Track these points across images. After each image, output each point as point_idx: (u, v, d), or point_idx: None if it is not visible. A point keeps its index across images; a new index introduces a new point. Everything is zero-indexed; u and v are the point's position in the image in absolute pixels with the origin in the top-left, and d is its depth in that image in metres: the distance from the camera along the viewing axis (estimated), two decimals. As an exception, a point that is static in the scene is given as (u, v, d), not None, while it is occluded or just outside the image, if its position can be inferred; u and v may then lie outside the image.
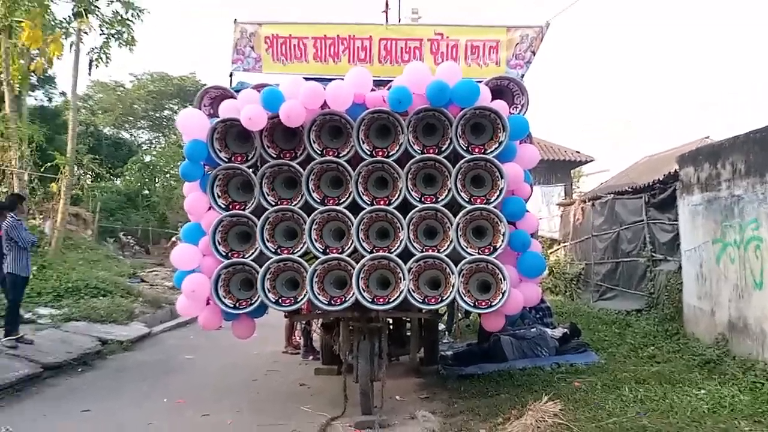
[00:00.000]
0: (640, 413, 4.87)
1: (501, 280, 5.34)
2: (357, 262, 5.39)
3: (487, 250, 5.45)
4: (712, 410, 4.83)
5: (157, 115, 39.18)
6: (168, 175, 31.14)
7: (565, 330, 7.76)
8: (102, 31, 12.39)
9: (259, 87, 5.77)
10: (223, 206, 5.69)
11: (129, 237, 25.06)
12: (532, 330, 7.53)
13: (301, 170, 5.58)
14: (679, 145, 18.83)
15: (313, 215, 5.52)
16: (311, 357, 8.44)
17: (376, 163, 5.55)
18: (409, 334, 6.95)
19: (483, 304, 5.39)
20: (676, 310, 7.79)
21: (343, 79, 5.61)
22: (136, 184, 30.83)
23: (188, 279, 5.43)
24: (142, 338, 9.67)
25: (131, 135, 38.40)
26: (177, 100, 38.56)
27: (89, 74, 12.13)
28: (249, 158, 5.70)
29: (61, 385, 6.85)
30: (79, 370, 7.52)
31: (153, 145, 38.65)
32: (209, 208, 5.73)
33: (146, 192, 30.66)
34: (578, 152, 22.03)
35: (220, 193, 5.73)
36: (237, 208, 5.69)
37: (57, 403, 6.15)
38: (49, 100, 28.37)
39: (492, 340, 7.51)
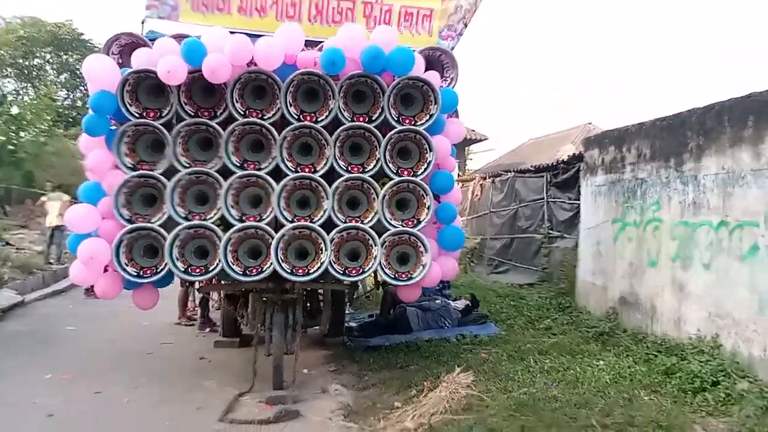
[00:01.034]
0: (548, 383, 5.07)
1: (422, 252, 5.31)
2: (276, 231, 5.11)
3: (410, 223, 5.38)
4: (614, 380, 5.12)
5: (27, 63, 35.32)
6: (38, 130, 28.12)
7: (467, 302, 7.94)
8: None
9: (177, 37, 5.23)
10: (129, 166, 5.15)
11: (-11, 195, 22.48)
12: (437, 301, 7.63)
13: (221, 131, 5.15)
14: (564, 129, 19.95)
15: (230, 179, 5.13)
16: (208, 329, 8.02)
17: (303, 128, 5.25)
18: (315, 305, 6.79)
19: (403, 276, 5.33)
20: (570, 285, 8.22)
21: (269, 35, 5.22)
22: (0, 138, 27.55)
23: (85, 244, 4.87)
24: (13, 307, 8.70)
25: (-5, 83, 34.29)
26: (50, 49, 35.00)
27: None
28: (163, 115, 5.17)
29: None
30: (-58, 342, 6.59)
31: (21, 96, 34.78)
32: (113, 167, 5.15)
33: (11, 147, 27.50)
34: (473, 130, 22.61)
35: (127, 152, 5.18)
36: (145, 168, 5.17)
37: None
38: None
39: (397, 311, 7.53)
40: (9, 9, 41.79)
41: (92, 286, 10.43)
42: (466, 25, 6.18)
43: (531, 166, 11.00)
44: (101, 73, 4.98)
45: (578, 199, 8.40)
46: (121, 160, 5.13)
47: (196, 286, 6.82)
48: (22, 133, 28.20)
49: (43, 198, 14.82)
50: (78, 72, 36.30)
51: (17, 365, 5.98)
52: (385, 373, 5.79)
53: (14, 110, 29.01)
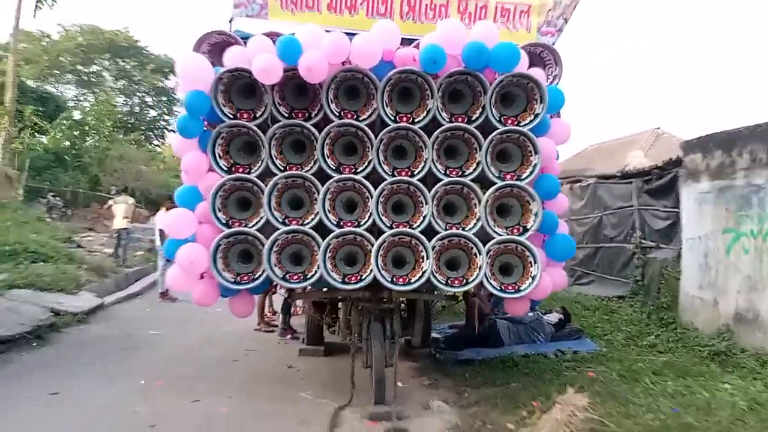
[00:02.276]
0: (675, 409, 4.73)
1: (531, 263, 5.08)
2: (375, 238, 4.99)
3: (516, 230, 5.16)
4: (750, 407, 4.74)
5: (86, 70, 36.81)
6: (101, 135, 29.19)
7: (560, 315, 7.64)
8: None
9: (268, 35, 5.18)
10: (225, 168, 5.13)
11: (57, 198, 23.37)
12: (529, 314, 7.33)
13: (317, 133, 5.07)
14: (627, 135, 19.19)
15: (328, 183, 5.04)
16: (289, 336, 7.99)
17: (400, 130, 5.11)
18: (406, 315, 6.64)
19: (510, 288, 5.11)
20: (672, 299, 7.80)
21: (356, 34, 5.11)
22: (66, 142, 28.76)
23: (184, 249, 4.85)
24: (94, 310, 8.90)
25: (57, 90, 35.81)
26: (108, 56, 36.37)
27: (34, 16, 10.92)
28: (257, 116, 5.13)
29: (16, 362, 6.12)
30: (34, 344, 6.76)
31: (80, 102, 36.24)
32: (209, 170, 5.14)
33: (75, 151, 28.62)
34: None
35: (221, 154, 5.16)
36: (240, 171, 5.14)
37: (16, 384, 5.45)
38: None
39: (487, 324, 7.28)
40: (68, 17, 43.49)
41: (167, 290, 10.85)
42: (566, 21, 5.91)
43: (617, 172, 10.54)
44: (196, 72, 4.96)
45: (676, 207, 7.98)
46: (217, 162, 5.11)
47: (281, 292, 6.77)
48: (86, 138, 29.41)
49: (110, 201, 15.29)
50: (135, 78, 37.69)
51: (109, 371, 6.05)
52: (485, 390, 5.56)
53: (76, 116, 30.27)
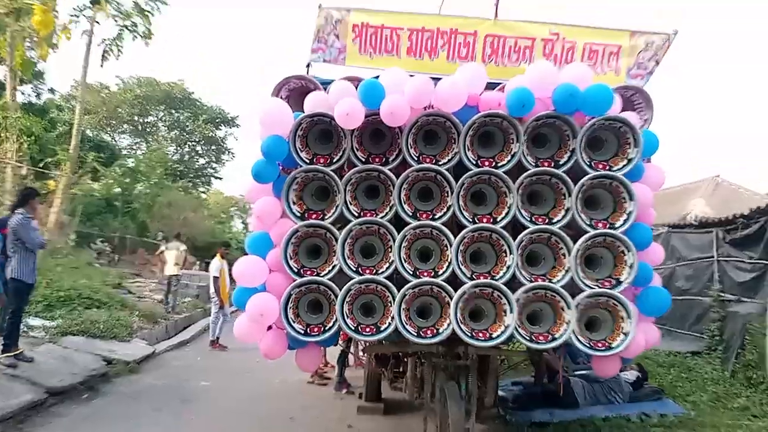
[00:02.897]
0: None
1: (623, 318, 4.64)
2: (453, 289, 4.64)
3: (607, 283, 4.74)
4: None
5: (142, 120, 38.03)
6: (150, 182, 29.76)
7: (638, 373, 7.07)
8: (116, 21, 11.44)
9: (351, 80, 5.00)
10: (298, 214, 4.88)
11: (106, 244, 23.67)
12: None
13: (394, 178, 4.81)
14: (689, 182, 18.53)
15: (405, 230, 4.74)
16: (345, 390, 7.60)
17: (482, 174, 4.81)
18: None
19: (599, 345, 4.66)
20: (760, 357, 7.16)
21: (438, 78, 4.89)
22: (117, 189, 29.36)
23: (256, 299, 4.56)
24: (146, 358, 8.68)
25: (113, 139, 36.99)
26: (163, 107, 37.59)
27: (101, 65, 11.18)
28: (333, 161, 4.90)
29: (69, 415, 5.87)
30: (86, 396, 6.52)
31: (133, 151, 37.31)
32: (281, 216, 4.90)
33: (126, 197, 29.18)
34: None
35: (295, 200, 4.92)
36: (313, 217, 4.89)
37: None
38: (38, 95, 27.01)
39: (560, 382, 6.75)
40: (126, 70, 45.21)
41: (217, 338, 10.60)
42: (657, 63, 5.60)
43: (693, 220, 10.00)
44: (275, 117, 4.78)
45: (764, 258, 7.42)
46: (290, 208, 4.87)
47: (357, 346, 6.41)
48: (137, 185, 30.02)
49: (162, 247, 15.32)
50: (187, 128, 38.76)
51: (165, 426, 5.76)
52: (568, 457, 5.08)
53: (129, 163, 31.01)
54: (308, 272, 4.82)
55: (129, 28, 11.50)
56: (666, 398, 6.68)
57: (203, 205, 35.69)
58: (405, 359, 6.12)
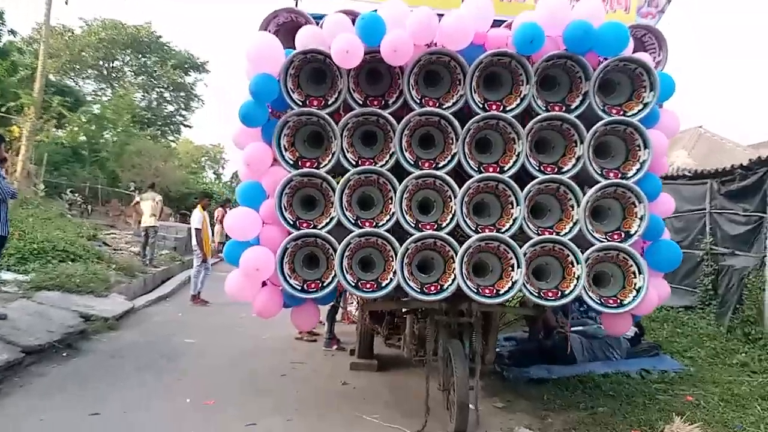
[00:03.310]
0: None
1: (635, 273, 4.48)
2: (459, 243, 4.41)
3: (617, 236, 4.55)
4: None
5: (107, 65, 36.55)
6: (119, 130, 28.77)
7: (635, 329, 6.99)
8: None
9: (348, 14, 4.61)
10: (291, 162, 4.56)
11: (76, 194, 22.95)
12: (602, 328, 6.71)
13: (395, 123, 4.49)
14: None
15: (407, 180, 4.47)
16: (335, 347, 7.42)
17: (490, 119, 4.52)
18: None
19: (611, 302, 4.50)
20: (758, 312, 7.14)
21: (442, 14, 4.51)
22: (82, 137, 28.32)
23: (250, 253, 4.29)
24: (125, 314, 8.38)
25: (76, 84, 35.53)
26: (129, 51, 36.12)
27: (66, 3, 10.40)
28: (328, 103, 4.56)
29: (49, 375, 5.57)
30: (65, 354, 6.22)
31: (98, 97, 35.92)
32: (272, 164, 4.58)
33: (93, 146, 28.19)
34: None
35: (287, 146, 4.60)
36: (307, 165, 4.57)
37: (51, 401, 4.89)
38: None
39: (556, 338, 6.66)
40: (91, 11, 43.17)
41: (199, 293, 10.32)
42: (669, 1, 5.29)
43: (687, 171, 9.86)
44: (266, 54, 4.41)
45: (760, 211, 7.32)
46: (282, 155, 4.56)
47: (351, 302, 6.19)
48: (104, 133, 29.00)
49: (136, 198, 14.81)
50: (155, 74, 37.39)
51: (151, 387, 5.49)
52: (569, 414, 4.99)
53: (95, 110, 29.86)
54: (304, 224, 4.55)
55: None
56: (663, 354, 6.64)
57: (173, 154, 34.74)
58: (402, 315, 5.92)
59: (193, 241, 10.40)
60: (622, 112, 4.59)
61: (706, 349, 6.89)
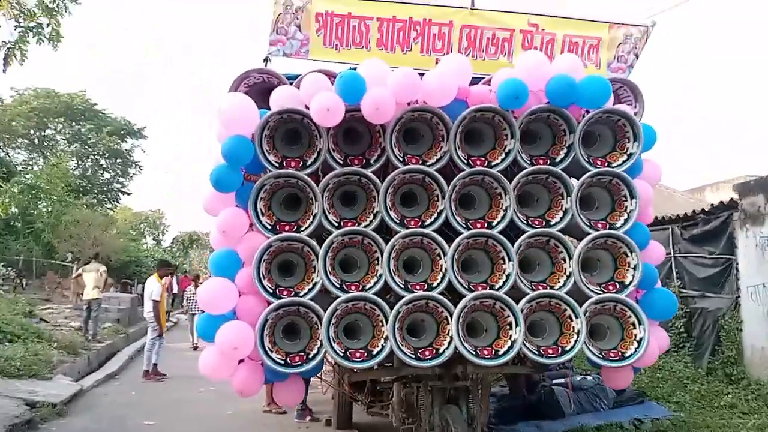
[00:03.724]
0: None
1: (634, 324, 4.37)
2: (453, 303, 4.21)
3: (611, 287, 4.46)
4: None
5: (39, 134, 35.32)
6: (53, 200, 27.57)
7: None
8: (19, 23, 10.16)
9: (324, 73, 4.49)
10: (269, 227, 4.30)
11: (9, 268, 21.62)
12: (588, 378, 6.60)
13: (377, 182, 4.33)
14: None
15: (394, 240, 4.28)
16: (308, 418, 6.97)
17: (476, 175, 4.42)
18: None
19: (613, 355, 4.36)
20: (738, 353, 7.16)
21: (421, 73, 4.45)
22: (14, 209, 26.99)
23: (228, 328, 3.96)
24: (74, 397, 7.70)
25: (6, 154, 34.12)
26: (62, 119, 35.03)
27: (4, 71, 9.83)
28: (307, 164, 4.36)
29: (-7, 477, 4.95)
30: (11, 449, 5.58)
31: (30, 167, 34.54)
32: (248, 230, 4.31)
33: (27, 217, 26.89)
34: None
35: (263, 210, 4.34)
36: (286, 230, 4.32)
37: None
38: None
39: (542, 392, 6.47)
40: (23, 81, 41.85)
41: (155, 366, 9.66)
42: (637, 56, 5.42)
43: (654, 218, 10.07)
44: (240, 115, 4.20)
45: (727, 253, 7.47)
46: (260, 220, 4.29)
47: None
48: (38, 203, 27.75)
49: (78, 270, 14.03)
50: (89, 141, 36.33)
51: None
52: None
53: (27, 180, 28.59)
54: (284, 292, 4.27)
55: (34, 29, 10.23)
56: (648, 401, 6.54)
57: (112, 222, 33.52)
58: (386, 383, 5.60)
59: (148, 313, 9.79)
60: (606, 164, 4.59)
61: (690, 393, 6.85)
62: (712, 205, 8.09)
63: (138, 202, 48.40)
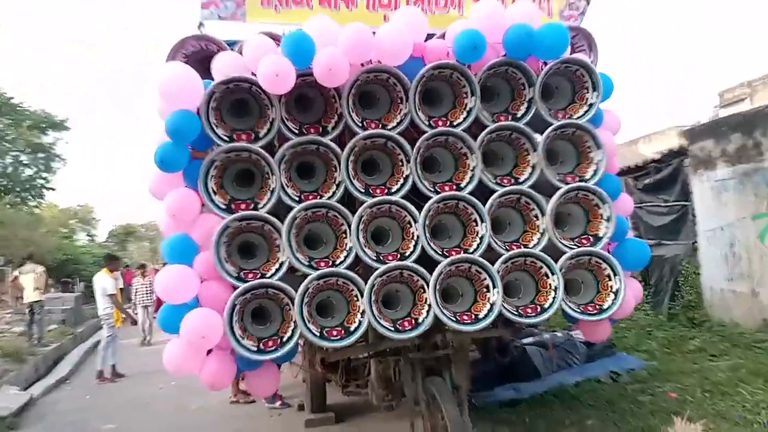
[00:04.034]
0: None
1: (609, 277, 4.32)
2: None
3: (585, 241, 4.38)
4: None
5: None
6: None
7: (585, 331, 6.93)
8: None
9: (268, 35, 4.18)
10: (223, 206, 4.01)
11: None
12: (558, 335, 6.61)
13: (338, 150, 4.09)
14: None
15: (360, 211, 4.05)
16: (279, 403, 6.76)
17: (440, 136, 4.23)
18: None
19: (590, 308, 4.31)
20: (697, 296, 7.32)
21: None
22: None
23: (193, 317, 3.67)
24: (24, 407, 7.24)
25: None
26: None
27: None
28: (259, 136, 4.07)
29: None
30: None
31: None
32: (201, 212, 4.00)
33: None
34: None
35: (215, 189, 4.04)
36: (242, 208, 4.04)
37: None
38: None
39: (515, 353, 6.44)
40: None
41: (113, 367, 9.18)
42: (588, 2, 5.30)
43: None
44: (183, 87, 3.85)
45: (682, 200, 7.59)
46: (212, 199, 3.99)
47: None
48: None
49: (14, 272, 13.25)
50: (7, 137, 34.24)
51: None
52: (563, 434, 4.73)
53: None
54: (249, 275, 3.99)
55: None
56: (620, 353, 6.61)
57: (40, 220, 31.93)
58: (361, 359, 5.43)
59: (104, 311, 9.21)
60: (567, 116, 4.47)
61: (657, 341, 6.97)
62: (662, 152, 8.19)
63: (65, 197, 46.25)
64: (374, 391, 5.01)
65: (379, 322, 3.94)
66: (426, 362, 4.49)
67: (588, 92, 4.46)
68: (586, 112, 4.44)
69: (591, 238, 4.39)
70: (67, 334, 13.85)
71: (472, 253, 4.15)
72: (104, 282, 9.28)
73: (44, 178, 36.77)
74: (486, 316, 4.07)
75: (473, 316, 4.09)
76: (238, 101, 4.19)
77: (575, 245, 4.34)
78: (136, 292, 13.81)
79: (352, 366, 5.70)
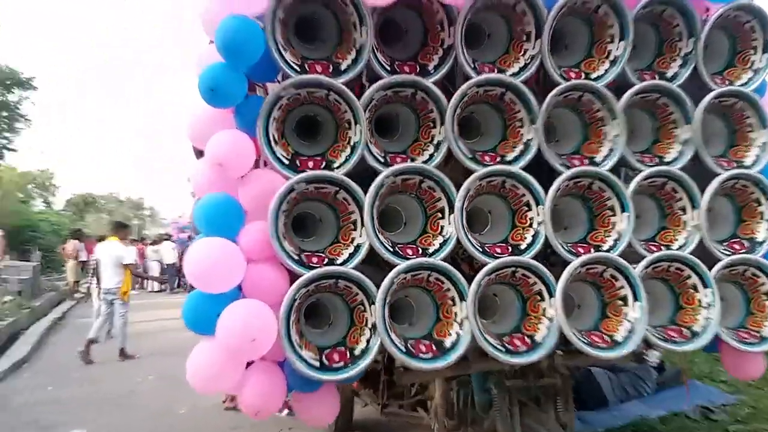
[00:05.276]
0: None
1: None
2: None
3: (737, 246, 3.40)
4: None
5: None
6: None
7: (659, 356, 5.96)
8: None
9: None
10: (285, 161, 2.90)
11: None
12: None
13: (443, 99, 3.03)
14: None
15: (467, 183, 3.00)
16: (286, 411, 5.64)
17: (573, 91, 3.20)
18: None
19: (746, 336, 3.33)
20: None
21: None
22: None
23: (239, 312, 2.58)
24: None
25: None
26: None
27: None
28: (341, 69, 2.97)
29: None
30: None
31: None
32: (256, 165, 2.90)
33: None
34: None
35: (277, 137, 2.92)
36: (309, 166, 2.94)
37: None
38: None
39: (577, 374, 5.45)
40: None
41: (87, 348, 7.86)
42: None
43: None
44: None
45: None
46: (273, 151, 2.88)
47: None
48: None
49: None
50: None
51: None
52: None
53: None
54: (313, 258, 2.90)
55: None
56: (691, 379, 5.66)
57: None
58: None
59: (116, 283, 7.83)
60: (727, 82, 3.48)
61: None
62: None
63: (25, 161, 43.98)
64: (437, 419, 3.92)
65: (485, 338, 2.89)
66: (529, 391, 3.45)
67: (755, 54, 3.49)
68: (750, 79, 3.47)
69: (745, 243, 3.42)
70: (24, 308, 12.41)
71: (607, 251, 3.14)
72: (118, 250, 7.89)
73: (6, 138, 34.77)
74: (626, 339, 3.05)
75: (607, 338, 3.07)
76: (310, 17, 3.10)
77: (727, 251, 3.37)
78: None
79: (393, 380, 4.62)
